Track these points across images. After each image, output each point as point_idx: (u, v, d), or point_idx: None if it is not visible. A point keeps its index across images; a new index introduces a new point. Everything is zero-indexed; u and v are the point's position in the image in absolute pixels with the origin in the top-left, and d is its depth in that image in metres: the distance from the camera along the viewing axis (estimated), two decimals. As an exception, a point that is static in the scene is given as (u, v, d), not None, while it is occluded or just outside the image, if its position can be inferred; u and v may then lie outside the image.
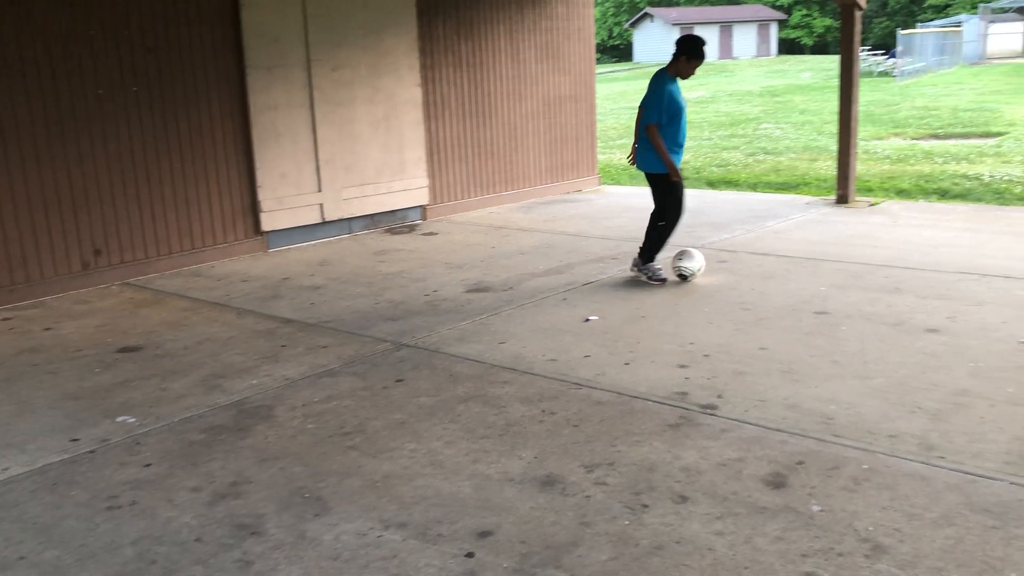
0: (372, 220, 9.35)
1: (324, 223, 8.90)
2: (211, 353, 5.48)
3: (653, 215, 6.87)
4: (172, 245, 7.79)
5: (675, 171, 6.60)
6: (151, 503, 3.59)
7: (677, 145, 6.68)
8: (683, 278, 6.62)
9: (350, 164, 9.00)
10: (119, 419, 4.48)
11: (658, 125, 6.53)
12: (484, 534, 3.24)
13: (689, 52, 6.57)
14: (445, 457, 3.89)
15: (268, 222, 8.42)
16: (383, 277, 7.28)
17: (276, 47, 8.28)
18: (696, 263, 6.64)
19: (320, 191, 8.77)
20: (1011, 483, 3.43)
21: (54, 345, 5.78)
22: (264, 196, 8.35)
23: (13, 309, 6.72)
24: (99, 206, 7.29)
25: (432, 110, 9.77)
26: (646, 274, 6.75)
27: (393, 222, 9.56)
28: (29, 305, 6.82)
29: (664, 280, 6.63)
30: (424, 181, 9.73)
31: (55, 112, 6.97)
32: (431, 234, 9.09)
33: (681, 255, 6.69)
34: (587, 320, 5.81)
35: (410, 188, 9.60)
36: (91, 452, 4.10)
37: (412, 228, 9.44)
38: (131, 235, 7.51)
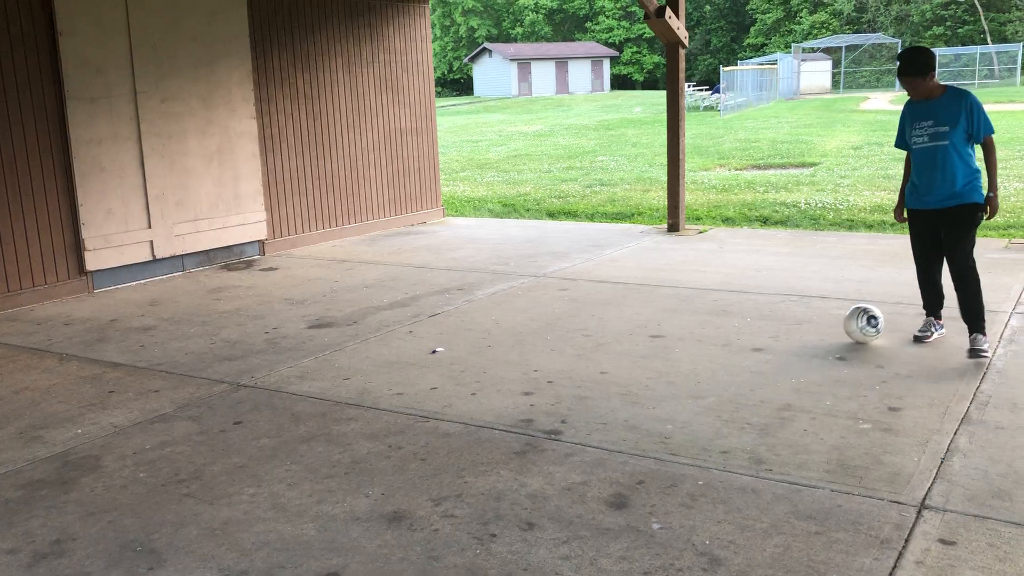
0: (207, 256, 9.02)
1: (155, 260, 8.50)
2: (30, 403, 5.11)
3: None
4: (-16, 288, 7.24)
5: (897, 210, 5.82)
6: (-40, 570, 3.29)
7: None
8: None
9: (182, 199, 8.66)
10: (-77, 480, 4.10)
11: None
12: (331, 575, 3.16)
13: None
14: (288, 500, 3.77)
15: (93, 261, 7.97)
16: (219, 316, 7.02)
17: (99, 78, 7.89)
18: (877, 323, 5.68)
19: (150, 227, 8.39)
20: (831, 490, 3.66)
21: None
22: (88, 234, 7.91)
23: None
24: (-102, 248, 6.69)
25: (269, 143, 9.57)
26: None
27: (230, 258, 9.25)
28: None
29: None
30: (262, 215, 9.49)
31: None
32: (270, 269, 8.86)
33: (864, 317, 5.64)
34: (434, 352, 5.80)
35: (247, 223, 9.34)
36: None
37: (250, 264, 9.17)
38: (-64, 278, 6.93)
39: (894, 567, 3.09)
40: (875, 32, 56.00)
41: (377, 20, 10.85)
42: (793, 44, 51.69)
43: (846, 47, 51.40)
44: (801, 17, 63.06)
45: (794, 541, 3.27)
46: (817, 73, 49.47)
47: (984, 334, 5.26)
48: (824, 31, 59.88)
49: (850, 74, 52.25)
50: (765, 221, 11.15)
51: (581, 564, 3.17)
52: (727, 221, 11.27)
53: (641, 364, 5.41)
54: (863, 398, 4.69)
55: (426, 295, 7.43)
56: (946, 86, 5.39)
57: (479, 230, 11.04)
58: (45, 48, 7.53)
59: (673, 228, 10.32)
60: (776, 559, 3.16)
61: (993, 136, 5.28)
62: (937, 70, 5.26)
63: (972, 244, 5.35)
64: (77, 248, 7.87)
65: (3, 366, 5.85)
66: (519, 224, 11.58)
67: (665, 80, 10.16)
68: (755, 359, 5.39)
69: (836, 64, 51.35)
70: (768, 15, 65.33)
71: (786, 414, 4.51)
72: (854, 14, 60.56)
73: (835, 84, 50.66)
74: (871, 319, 5.57)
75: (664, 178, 10.38)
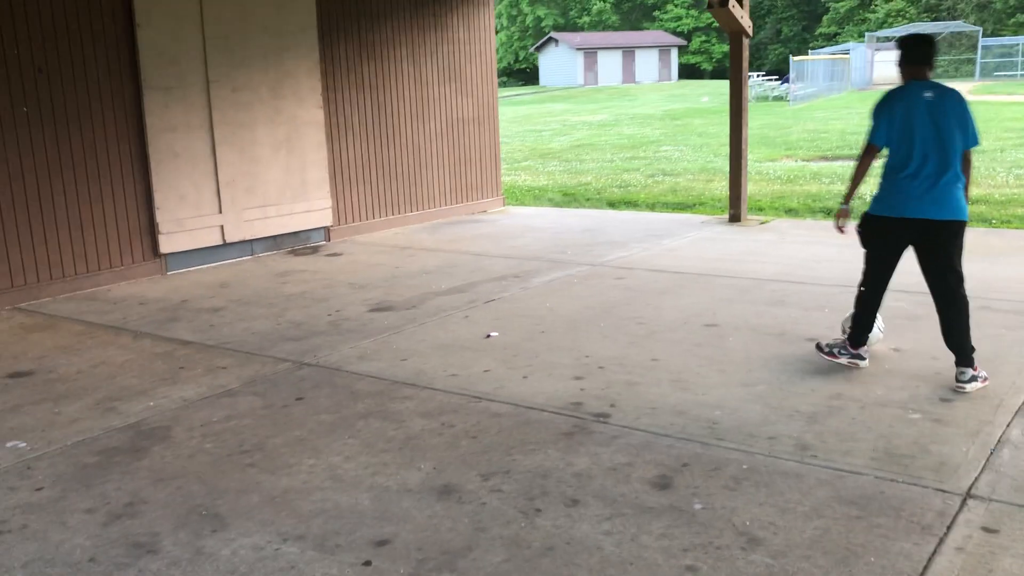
0: (275, 241, 9.31)
1: (225, 245, 8.81)
2: (106, 376, 5.40)
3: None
4: (66, 269, 7.61)
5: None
6: (43, 526, 3.54)
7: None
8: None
9: (251, 186, 8.96)
10: (9, 444, 4.39)
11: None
12: (382, 543, 3.32)
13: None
14: (344, 471, 3.95)
15: (167, 244, 8.30)
16: (285, 298, 7.27)
17: (174, 68, 8.20)
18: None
19: (221, 212, 8.70)
20: (875, 477, 3.68)
21: (-61, 372, 5.59)
22: (162, 218, 8.24)
23: None
24: (-13, 229, 7.09)
25: (335, 131, 9.81)
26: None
27: (296, 243, 9.53)
28: (-89, 332, 6.57)
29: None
30: (327, 202, 9.74)
31: (-61, 133, 6.77)
32: (335, 255, 9.10)
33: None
34: (488, 336, 5.94)
35: (313, 209, 9.60)
36: (-21, 478, 4.01)
37: (315, 249, 9.44)
38: (22, 259, 7.31)
39: (934, 552, 3.12)
40: (955, 20, 54.32)
41: (442, 10, 11.01)
42: (867, 33, 50.45)
43: (923, 36, 49.82)
44: (876, 5, 61.45)
45: (834, 524, 3.32)
46: (892, 63, 47.80)
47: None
48: (901, 19, 58.29)
49: (927, 63, 50.68)
50: (829, 213, 11.01)
51: (622, 540, 3.27)
52: (790, 212, 11.17)
53: (693, 352, 5.46)
54: (915, 388, 4.68)
55: (483, 282, 7.57)
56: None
57: (538, 219, 11.14)
58: (124, 41, 7.86)
59: (734, 219, 10.28)
60: (814, 541, 3.21)
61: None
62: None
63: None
64: (152, 232, 8.22)
65: (83, 342, 6.17)
66: (578, 213, 11.66)
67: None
68: (808, 349, 5.39)
69: (912, 53, 49.79)
70: (841, 4, 63.78)
71: (835, 403, 4.52)
72: (933, 1, 58.83)
73: (911, 74, 49.17)
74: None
75: (728, 168, 10.35)
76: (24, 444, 4.38)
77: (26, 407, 4.91)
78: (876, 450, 3.94)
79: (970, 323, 4.71)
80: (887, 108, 4.77)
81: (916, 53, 4.80)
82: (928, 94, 4.67)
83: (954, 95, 4.71)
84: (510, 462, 3.97)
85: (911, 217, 4.69)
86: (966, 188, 4.74)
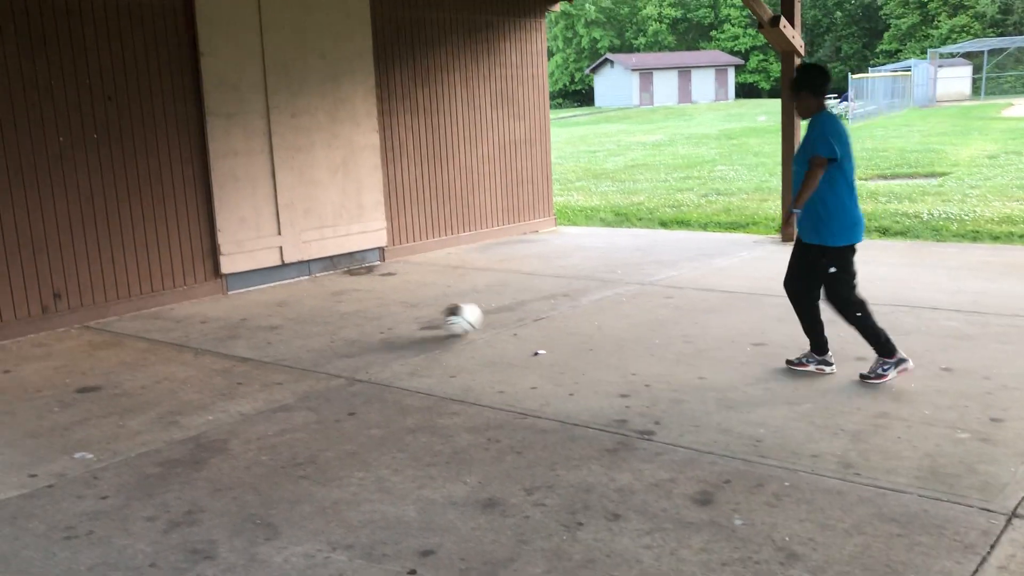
0: (331, 262, 9.54)
1: (283, 265, 9.08)
2: (168, 392, 5.62)
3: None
4: (132, 288, 7.93)
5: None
6: (107, 532, 3.72)
7: None
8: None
9: (309, 208, 9.22)
10: (77, 455, 4.61)
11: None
12: (426, 553, 3.42)
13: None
14: (392, 484, 4.07)
15: (228, 265, 8.59)
16: (340, 317, 7.46)
17: (235, 95, 8.51)
18: (469, 316, 6.45)
19: (279, 234, 8.97)
20: (919, 495, 3.68)
21: (13, 387, 5.88)
22: (224, 240, 8.53)
23: (-28, 353, 6.81)
24: (59, 251, 7.42)
25: (390, 155, 10.04)
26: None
27: (352, 263, 9.76)
28: (-12, 348, 6.91)
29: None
30: (382, 223, 9.96)
31: (16, 160, 7.13)
32: (389, 275, 9.30)
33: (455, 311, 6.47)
34: (536, 354, 6.03)
35: (368, 230, 9.83)
36: (49, 487, 4.22)
37: (370, 269, 9.65)
38: (91, 279, 7.64)
39: (976, 571, 3.11)
40: (1022, 35, 53.11)
41: (494, 35, 11.21)
42: (929, 49, 49.59)
43: (988, 51, 48.93)
44: (939, 21, 60.41)
45: (874, 541, 3.33)
46: (955, 79, 47.29)
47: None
48: (964, 35, 57.19)
49: (992, 80, 49.69)
50: (884, 232, 10.90)
51: (662, 553, 3.33)
52: (844, 231, 11.04)
53: (740, 371, 5.48)
54: (964, 408, 4.64)
55: (532, 300, 7.68)
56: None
57: (589, 238, 11.22)
58: (188, 69, 8.19)
59: (787, 238, 10.21)
60: (854, 557, 3.23)
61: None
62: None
63: None
64: (213, 253, 8.51)
65: (147, 358, 6.42)
66: (630, 233, 11.71)
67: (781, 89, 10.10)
68: (856, 368, 5.37)
69: (977, 70, 48.96)
70: (903, 20, 62.85)
71: (881, 421, 4.51)
72: (998, 16, 57.63)
73: (975, 90, 48.30)
74: (453, 311, 6.44)
75: (779, 187, 10.33)
76: (91, 455, 4.60)
77: (93, 420, 5.14)
78: (920, 469, 3.93)
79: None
80: (838, 133, 5.19)
81: (826, 85, 5.32)
82: None
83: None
84: (554, 477, 4.05)
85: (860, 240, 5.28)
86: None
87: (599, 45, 74.84)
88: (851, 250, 5.22)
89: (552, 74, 70.54)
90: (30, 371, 6.23)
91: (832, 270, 5.19)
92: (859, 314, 5.17)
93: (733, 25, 72.20)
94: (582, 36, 75.70)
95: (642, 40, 75.69)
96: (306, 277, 9.28)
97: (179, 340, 6.92)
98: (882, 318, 6.43)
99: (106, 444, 4.74)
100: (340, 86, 9.40)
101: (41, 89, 7.24)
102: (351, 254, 9.74)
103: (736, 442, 4.35)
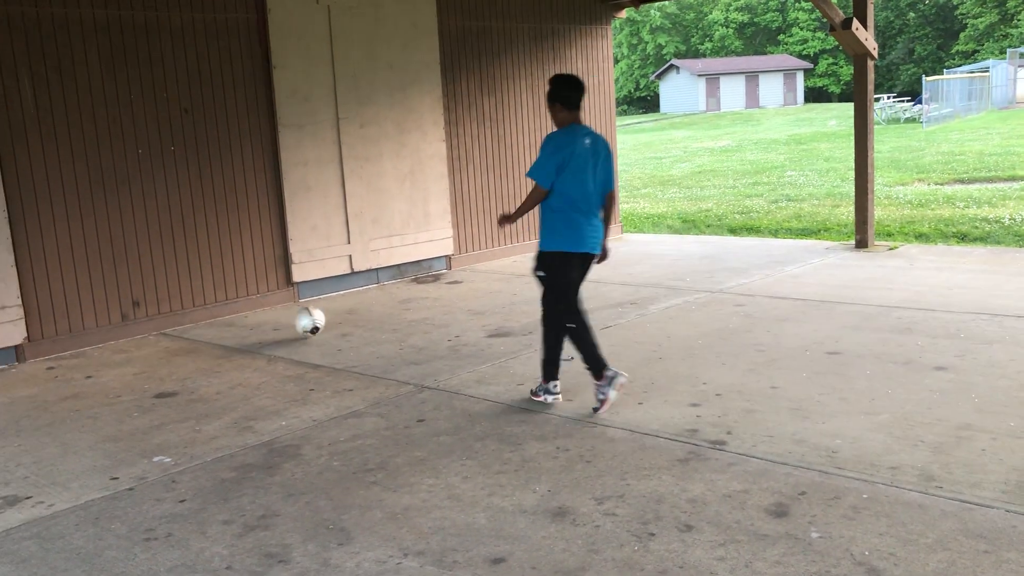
0: (399, 270, 9.64)
1: (352, 273, 9.20)
2: (243, 397, 5.73)
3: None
4: (207, 296, 8.12)
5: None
6: (185, 535, 3.81)
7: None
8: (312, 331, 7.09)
9: (377, 217, 9.33)
10: (156, 459, 4.73)
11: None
12: (497, 560, 3.42)
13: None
14: (462, 491, 4.07)
15: (299, 273, 8.74)
16: (408, 324, 7.53)
17: (306, 106, 8.67)
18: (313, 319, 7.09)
19: (349, 243, 9.09)
20: (1006, 511, 3.54)
21: (95, 392, 6.07)
22: (295, 248, 8.68)
23: (56, 359, 7.05)
24: (137, 260, 7.65)
25: (456, 164, 10.11)
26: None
27: (419, 271, 9.84)
28: (71, 355, 7.14)
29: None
30: (449, 232, 10.03)
31: (97, 171, 7.37)
32: (455, 283, 9.35)
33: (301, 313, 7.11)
34: (570, 359, 5.97)
35: (435, 239, 9.90)
36: (130, 489, 4.34)
37: (437, 277, 9.72)
38: (168, 287, 7.85)
39: (1068, 591, 2.98)
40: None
41: (560, 43, 11.21)
42: (1009, 49, 48.00)
43: (1071, 50, 47.17)
44: (1019, 20, 58.48)
45: (959, 558, 3.21)
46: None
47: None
48: (1046, 34, 55.28)
49: (1076, 79, 47.81)
50: (963, 238, 10.57)
51: (736, 566, 3.26)
52: (920, 237, 10.77)
53: (814, 380, 5.36)
54: (1053, 420, 4.46)
55: (599, 308, 7.63)
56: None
57: (656, 246, 11.12)
58: (261, 81, 8.37)
59: (861, 244, 10.00)
60: (938, 574, 3.12)
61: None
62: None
63: None
64: (286, 261, 8.66)
65: (221, 365, 6.57)
66: (698, 240, 11.57)
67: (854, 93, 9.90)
68: (936, 378, 5.21)
69: (1060, 69, 47.18)
70: (980, 19, 60.99)
71: (964, 433, 4.36)
72: (1081, 13, 55.55)
73: (1058, 91, 46.55)
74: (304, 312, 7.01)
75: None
76: (169, 459, 4.71)
77: (170, 425, 5.27)
78: (1008, 483, 3.79)
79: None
80: (556, 151, 5.14)
81: (578, 98, 5.24)
82: (587, 140, 5.18)
83: (604, 142, 5.27)
84: (624, 486, 4.01)
85: (587, 252, 5.26)
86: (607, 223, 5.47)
87: (664, 51, 74.34)
88: (564, 257, 5.18)
89: (617, 81, 70.34)
90: (110, 377, 6.43)
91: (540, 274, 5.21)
92: (571, 325, 5.17)
93: (801, 28, 70.98)
94: (647, 42, 75.30)
95: (708, 45, 74.91)
96: (374, 285, 9.39)
97: (253, 347, 7.05)
98: (963, 327, 6.25)
99: (183, 448, 4.86)
100: (408, 96, 9.50)
101: (121, 104, 7.48)
102: (418, 262, 9.82)
103: (811, 453, 4.25)
